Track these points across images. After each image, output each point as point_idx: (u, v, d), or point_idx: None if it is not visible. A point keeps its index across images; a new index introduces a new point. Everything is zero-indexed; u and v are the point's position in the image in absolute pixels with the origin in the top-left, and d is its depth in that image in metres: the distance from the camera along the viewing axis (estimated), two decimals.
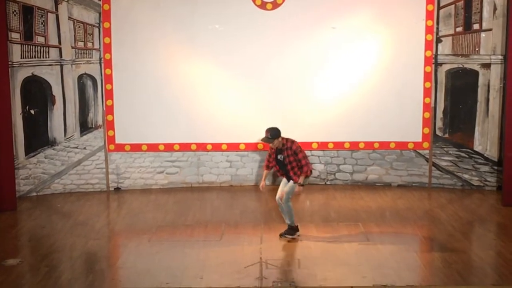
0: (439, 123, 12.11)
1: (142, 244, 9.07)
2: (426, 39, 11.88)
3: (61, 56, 11.84)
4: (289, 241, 9.06)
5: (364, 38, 11.95)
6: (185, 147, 12.22)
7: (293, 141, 9.07)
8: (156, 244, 9.06)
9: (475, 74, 11.80)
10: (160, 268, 8.07)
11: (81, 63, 12.03)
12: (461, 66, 11.89)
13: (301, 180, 8.99)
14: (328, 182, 12.38)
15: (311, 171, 9.14)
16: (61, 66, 11.86)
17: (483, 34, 11.61)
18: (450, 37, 11.89)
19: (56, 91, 11.85)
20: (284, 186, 9.16)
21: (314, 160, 12.31)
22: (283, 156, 9.04)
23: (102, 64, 11.99)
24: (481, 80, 11.77)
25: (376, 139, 12.19)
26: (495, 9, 11.42)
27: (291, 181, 9.05)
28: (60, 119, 11.93)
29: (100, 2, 11.84)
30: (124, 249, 9.10)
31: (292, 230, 9.18)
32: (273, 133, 9.05)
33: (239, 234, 9.22)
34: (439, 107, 12.07)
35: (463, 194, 11.75)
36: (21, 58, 11.35)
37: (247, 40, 11.95)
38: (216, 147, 12.24)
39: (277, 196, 9.18)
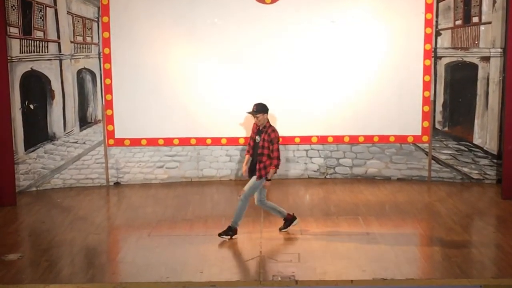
0: (438, 117, 12.11)
1: (142, 239, 9.08)
2: (425, 32, 11.87)
3: (60, 50, 11.82)
4: (289, 232, 9.11)
5: (363, 31, 11.94)
6: (184, 141, 12.22)
7: (274, 130, 8.93)
8: (156, 239, 9.07)
9: (475, 67, 11.79)
10: (160, 262, 8.08)
11: (80, 58, 12.01)
12: (461, 59, 11.88)
13: (269, 175, 8.88)
14: (327, 176, 12.38)
15: (277, 166, 8.95)
16: (60, 60, 11.84)
17: (482, 27, 11.60)
18: (450, 30, 11.88)
19: (55, 86, 11.84)
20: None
21: (314, 154, 12.33)
22: (260, 138, 8.92)
23: (101, 59, 11.98)
24: (480, 74, 11.76)
25: (376, 132, 12.19)
26: (494, 2, 11.41)
27: (254, 178, 8.95)
28: (60, 114, 11.92)
29: None
30: (124, 244, 9.11)
31: (288, 221, 9.20)
32: (259, 107, 8.94)
33: (239, 228, 9.21)
34: (439, 100, 12.07)
35: (463, 187, 11.76)
36: (20, 53, 11.33)
37: (246, 34, 11.94)
38: (216, 141, 12.24)
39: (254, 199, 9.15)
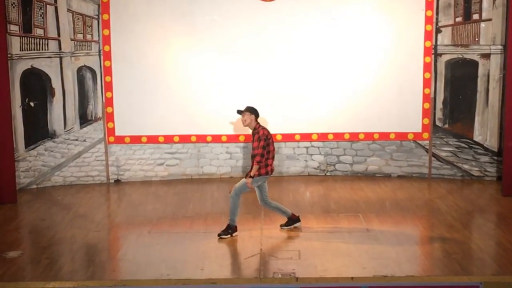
0: (438, 114, 12.11)
1: (142, 236, 9.09)
2: (425, 29, 11.86)
3: (60, 48, 11.82)
4: (291, 229, 9.12)
5: (363, 28, 11.94)
6: (185, 139, 12.23)
7: (263, 128, 8.89)
8: (156, 236, 9.08)
9: (475, 64, 11.79)
10: (160, 259, 8.08)
11: (80, 55, 12.01)
12: (461, 56, 11.88)
13: (252, 171, 8.78)
14: (328, 173, 12.39)
15: (267, 171, 8.85)
16: (60, 58, 11.84)
17: (482, 24, 11.60)
18: (450, 27, 11.88)
19: (56, 83, 11.84)
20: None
21: (314, 151, 12.32)
22: (253, 140, 8.92)
23: (101, 56, 11.98)
24: (480, 71, 11.76)
25: (376, 130, 12.19)
26: None
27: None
28: (60, 111, 11.92)
29: None
30: (124, 241, 9.12)
31: (291, 221, 9.14)
32: (248, 107, 8.97)
33: (239, 225, 9.21)
34: (439, 97, 12.07)
35: (463, 184, 11.76)
36: (20, 50, 11.33)
37: (247, 32, 11.94)
38: (216, 138, 12.24)
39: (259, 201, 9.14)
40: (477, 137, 11.93)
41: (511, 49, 10.70)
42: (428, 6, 11.82)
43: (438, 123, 12.13)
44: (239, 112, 9.02)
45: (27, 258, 8.30)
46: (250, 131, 11.80)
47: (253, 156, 8.88)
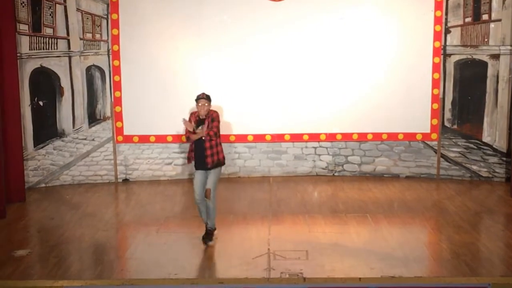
0: (447, 114, 12.08)
1: (150, 235, 9.11)
2: (434, 29, 11.83)
3: (69, 47, 11.85)
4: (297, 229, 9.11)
5: (372, 29, 11.92)
6: None
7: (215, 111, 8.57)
8: (164, 235, 9.09)
9: (484, 65, 11.75)
10: (168, 259, 8.10)
11: (89, 55, 12.04)
12: (470, 57, 11.84)
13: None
14: (336, 174, 12.37)
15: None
16: (70, 57, 11.87)
17: (492, 25, 11.56)
18: (459, 28, 11.85)
19: (65, 82, 11.87)
20: (204, 178, 8.71)
21: (322, 151, 12.31)
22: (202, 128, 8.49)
23: (110, 56, 12.00)
24: (490, 71, 11.72)
25: (384, 130, 12.17)
26: None
27: (212, 170, 8.67)
28: (69, 110, 11.95)
29: None
30: (133, 240, 9.13)
31: (212, 234, 8.77)
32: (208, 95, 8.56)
33: (247, 225, 9.23)
34: (448, 98, 12.04)
35: (472, 185, 11.73)
36: (29, 49, 11.35)
37: (255, 32, 11.93)
38: (224, 138, 12.12)
39: (198, 196, 8.65)
40: (486, 138, 11.89)
41: None
42: (437, 6, 11.79)
43: (446, 123, 12.10)
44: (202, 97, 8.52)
45: (36, 257, 8.33)
46: (258, 131, 11.95)
47: (210, 147, 8.71)
